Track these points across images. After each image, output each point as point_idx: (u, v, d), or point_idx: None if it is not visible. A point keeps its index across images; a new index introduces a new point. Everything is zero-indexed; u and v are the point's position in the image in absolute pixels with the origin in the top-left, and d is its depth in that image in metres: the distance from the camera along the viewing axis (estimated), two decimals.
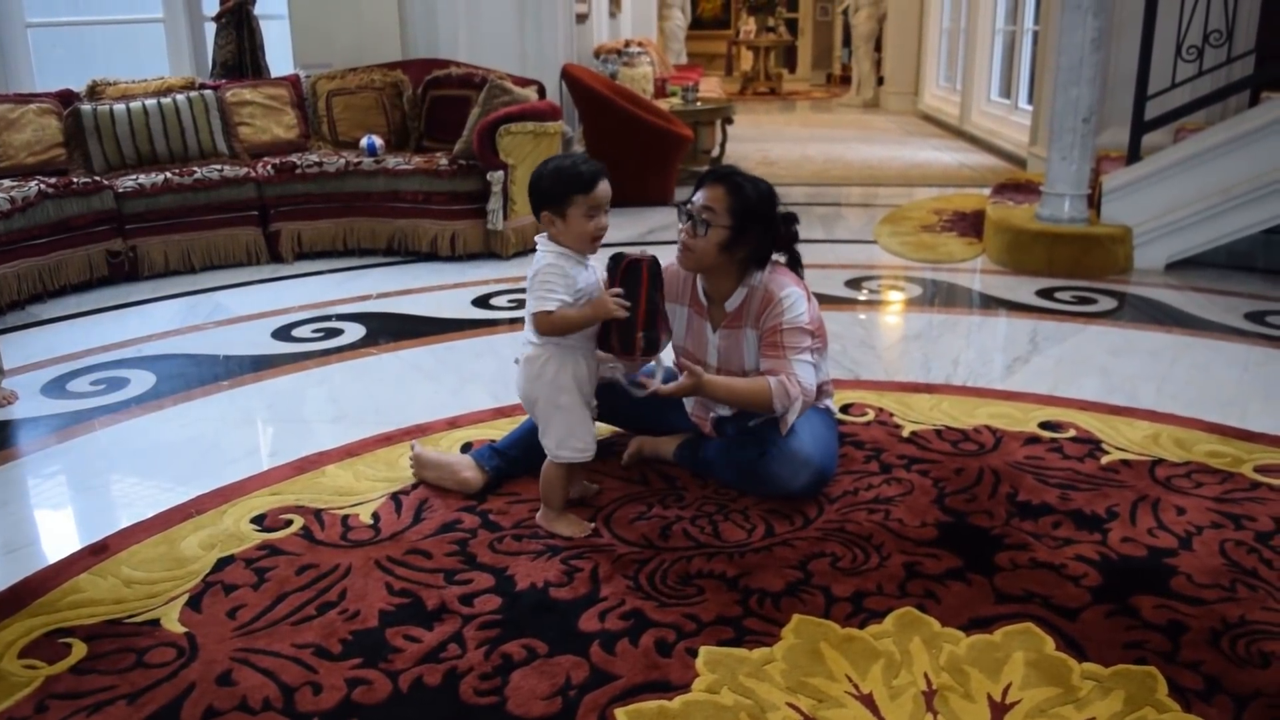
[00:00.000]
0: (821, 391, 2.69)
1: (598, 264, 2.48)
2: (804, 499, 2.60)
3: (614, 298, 2.33)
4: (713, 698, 1.87)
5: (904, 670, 1.96)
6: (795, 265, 2.69)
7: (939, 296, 4.73)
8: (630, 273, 2.35)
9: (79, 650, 2.07)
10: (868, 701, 1.87)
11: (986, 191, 6.72)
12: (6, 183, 4.76)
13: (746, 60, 18.68)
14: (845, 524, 2.50)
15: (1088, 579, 2.25)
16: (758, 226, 2.54)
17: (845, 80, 18.42)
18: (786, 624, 2.09)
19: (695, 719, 1.82)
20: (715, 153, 8.19)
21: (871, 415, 3.18)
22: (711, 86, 11.30)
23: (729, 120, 8.27)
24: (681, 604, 2.16)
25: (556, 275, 2.37)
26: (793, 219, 2.63)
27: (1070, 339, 3.98)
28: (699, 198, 2.56)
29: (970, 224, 6.08)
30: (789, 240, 2.64)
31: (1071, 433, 3.03)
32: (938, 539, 2.43)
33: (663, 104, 7.66)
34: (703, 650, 2.01)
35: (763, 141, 10.77)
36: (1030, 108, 8.54)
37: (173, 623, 2.14)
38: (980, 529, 2.48)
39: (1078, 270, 4.91)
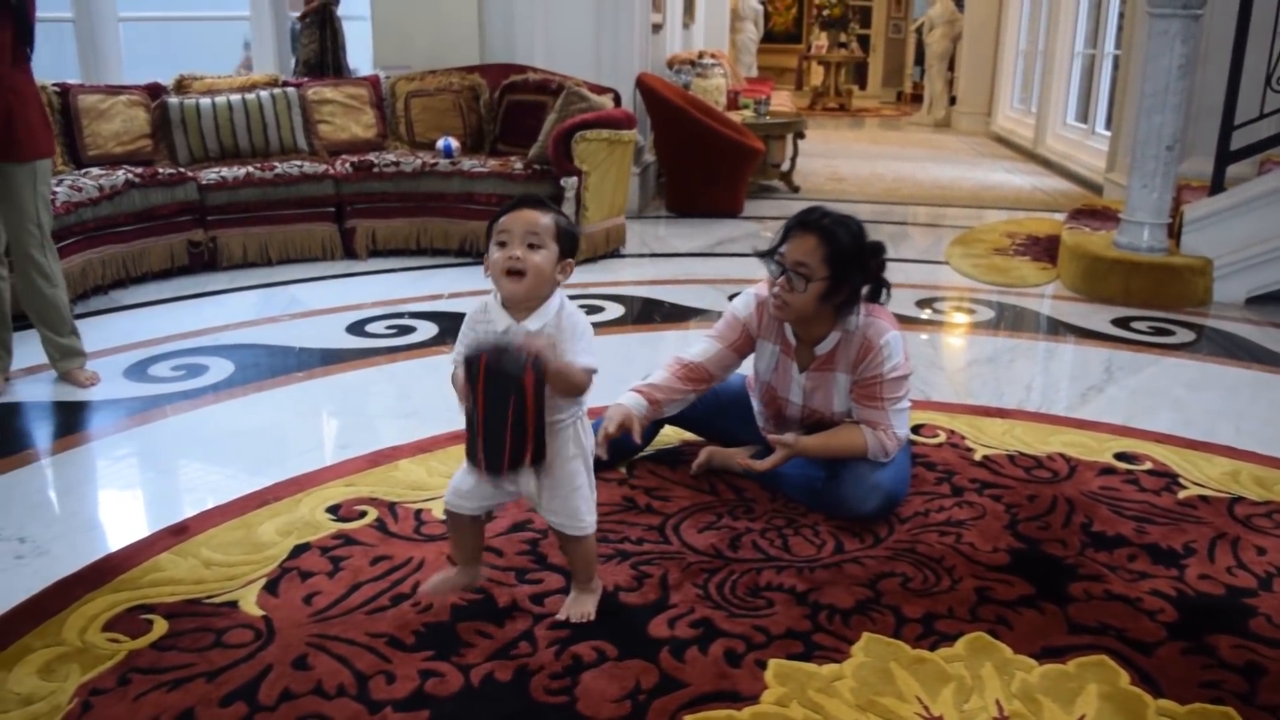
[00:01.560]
0: None
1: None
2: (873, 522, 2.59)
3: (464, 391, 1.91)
4: (782, 710, 1.87)
5: (975, 695, 1.94)
6: (879, 292, 2.59)
7: (1011, 321, 4.68)
8: (470, 370, 1.86)
9: (160, 627, 2.11)
10: None
11: (1061, 216, 6.64)
12: (95, 171, 4.90)
13: (817, 75, 18.63)
14: (916, 545, 2.48)
15: (1164, 614, 2.21)
16: (854, 271, 2.48)
17: (916, 99, 18.31)
18: (856, 642, 2.09)
19: None
20: (785, 166, 8.17)
21: (943, 437, 3.15)
22: (782, 101, 11.28)
23: (801, 135, 8.25)
24: (751, 615, 2.16)
25: (467, 326, 2.09)
26: (881, 249, 2.55)
27: (1146, 370, 3.92)
28: (791, 250, 2.47)
29: (1044, 249, 6.01)
30: (878, 271, 2.56)
31: (1148, 465, 2.98)
32: (1010, 565, 2.41)
33: (735, 116, 7.67)
34: (772, 663, 2.00)
35: (832, 158, 10.73)
36: (1108, 133, 8.42)
37: (250, 605, 2.19)
38: (1053, 557, 2.45)
39: (1155, 300, 4.83)
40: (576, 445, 2.06)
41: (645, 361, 4.06)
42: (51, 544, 2.53)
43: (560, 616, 2.12)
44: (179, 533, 2.51)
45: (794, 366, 2.66)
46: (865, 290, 2.56)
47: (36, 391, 3.52)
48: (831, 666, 2.00)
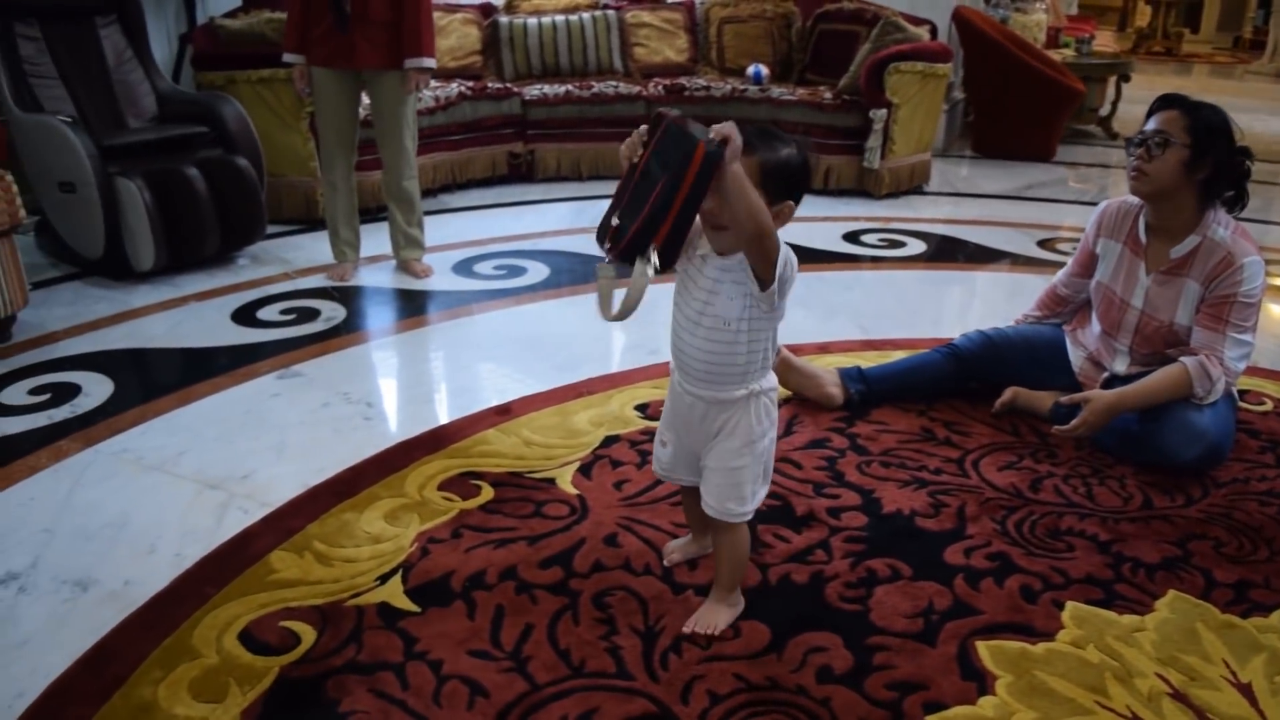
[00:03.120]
0: None
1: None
2: (1189, 475, 2.47)
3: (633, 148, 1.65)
4: (1078, 651, 1.86)
5: None
6: (1238, 201, 2.51)
7: None
8: (653, 124, 1.62)
9: (487, 492, 2.35)
10: (1245, 691, 1.79)
11: None
12: (432, 83, 5.29)
13: (1143, 16, 17.20)
14: (1233, 511, 2.36)
15: None
16: (1217, 148, 2.40)
17: (1255, 46, 16.54)
18: (1161, 597, 2.02)
19: (1058, 667, 1.81)
20: (1104, 111, 7.67)
21: (1270, 406, 2.94)
22: (1103, 42, 10.51)
23: (1125, 78, 7.69)
24: (1049, 556, 2.14)
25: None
26: (1248, 153, 2.45)
27: None
28: (1150, 125, 2.46)
29: None
30: (1242, 174, 2.46)
31: None
32: None
33: (1054, 55, 7.25)
34: (1069, 605, 1.98)
35: None
36: None
37: (566, 484, 2.39)
38: None
39: None
40: (748, 426, 1.81)
41: (946, 300, 4.01)
42: (393, 411, 2.85)
43: (685, 629, 1.86)
44: (502, 413, 2.75)
45: (1141, 267, 2.59)
46: (1227, 195, 2.50)
47: (379, 278, 3.92)
48: (1132, 617, 1.96)
